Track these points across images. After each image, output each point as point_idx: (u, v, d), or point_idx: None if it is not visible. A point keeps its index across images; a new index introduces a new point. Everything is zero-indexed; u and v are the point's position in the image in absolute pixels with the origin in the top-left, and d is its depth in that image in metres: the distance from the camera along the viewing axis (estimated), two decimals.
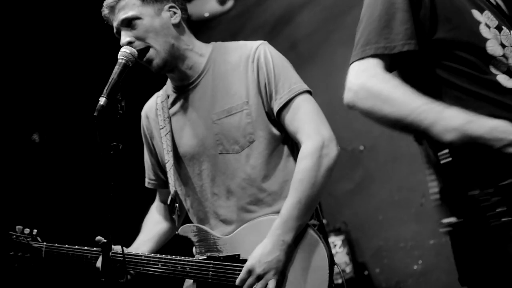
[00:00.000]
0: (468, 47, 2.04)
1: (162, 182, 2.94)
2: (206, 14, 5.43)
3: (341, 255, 4.78)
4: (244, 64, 2.60)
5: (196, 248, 2.68)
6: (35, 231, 3.07)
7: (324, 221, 4.97)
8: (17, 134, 5.03)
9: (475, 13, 2.08)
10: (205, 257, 2.63)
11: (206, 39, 2.81)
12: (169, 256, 2.67)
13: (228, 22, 5.52)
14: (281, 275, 2.44)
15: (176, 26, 2.65)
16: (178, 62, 2.66)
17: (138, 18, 2.58)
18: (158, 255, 2.71)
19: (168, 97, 2.81)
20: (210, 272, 2.58)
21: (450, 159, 1.94)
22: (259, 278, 2.43)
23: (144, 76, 3.13)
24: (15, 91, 4.99)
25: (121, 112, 2.43)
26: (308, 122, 2.53)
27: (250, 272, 2.45)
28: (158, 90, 2.94)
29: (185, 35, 2.68)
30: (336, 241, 4.81)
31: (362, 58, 2.09)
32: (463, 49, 2.04)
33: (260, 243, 2.46)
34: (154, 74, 2.85)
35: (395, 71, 2.18)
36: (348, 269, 4.77)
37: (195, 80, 2.69)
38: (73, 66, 5.21)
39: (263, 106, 2.58)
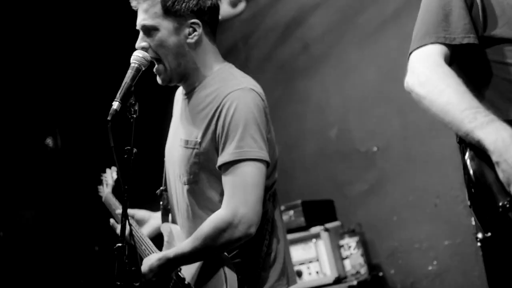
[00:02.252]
0: None
1: None
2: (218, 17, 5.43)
3: (355, 257, 4.77)
4: (212, 106, 2.54)
5: (164, 246, 2.80)
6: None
7: (338, 223, 4.98)
8: (31, 139, 5.06)
9: None
10: None
11: (218, 43, 2.80)
12: (150, 244, 2.84)
13: (240, 25, 5.51)
14: None
15: (191, 45, 2.60)
16: (183, 77, 2.66)
17: (156, 29, 2.56)
18: (148, 242, 2.86)
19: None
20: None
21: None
22: None
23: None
24: (29, 96, 5.02)
25: (134, 116, 2.44)
26: (232, 194, 2.44)
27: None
28: (172, 94, 2.96)
29: (198, 53, 2.63)
30: (350, 242, 4.79)
31: (423, 46, 2.11)
32: None
33: (197, 269, 2.58)
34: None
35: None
36: (363, 270, 4.76)
37: (189, 93, 2.69)
38: (86, 70, 5.23)
39: (213, 154, 2.53)
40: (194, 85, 2.65)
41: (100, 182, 3.46)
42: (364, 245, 4.92)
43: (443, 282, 4.78)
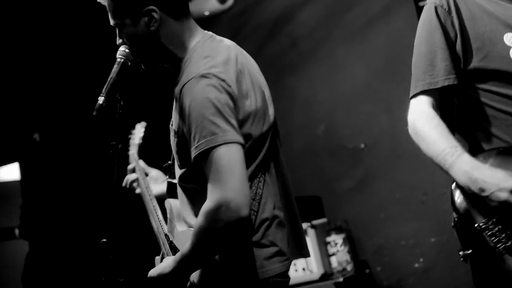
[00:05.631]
0: (499, 73, 2.32)
1: None
2: (206, 13, 5.41)
3: (342, 254, 4.78)
4: (177, 99, 2.46)
5: (167, 224, 2.81)
6: None
7: (325, 220, 4.99)
8: (18, 134, 5.04)
9: (508, 36, 2.33)
10: (167, 234, 2.76)
11: None
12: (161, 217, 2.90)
13: (229, 21, 5.50)
14: None
15: (155, 33, 2.49)
16: (163, 62, 2.59)
17: (121, 25, 2.50)
18: (160, 215, 2.93)
19: None
20: (166, 249, 2.72)
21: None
22: None
23: (143, 75, 3.13)
24: (16, 91, 5.00)
25: (120, 111, 2.43)
26: (211, 183, 2.31)
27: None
28: (158, 89, 2.94)
29: (167, 38, 2.52)
30: (337, 239, 4.80)
31: (416, 95, 2.43)
32: (495, 75, 2.33)
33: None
34: (154, 74, 2.84)
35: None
36: (349, 267, 4.77)
37: (172, 81, 2.61)
38: (72, 65, 5.21)
39: (186, 144, 2.43)
40: (176, 70, 2.55)
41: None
42: (351, 242, 4.93)
43: (430, 279, 4.80)
